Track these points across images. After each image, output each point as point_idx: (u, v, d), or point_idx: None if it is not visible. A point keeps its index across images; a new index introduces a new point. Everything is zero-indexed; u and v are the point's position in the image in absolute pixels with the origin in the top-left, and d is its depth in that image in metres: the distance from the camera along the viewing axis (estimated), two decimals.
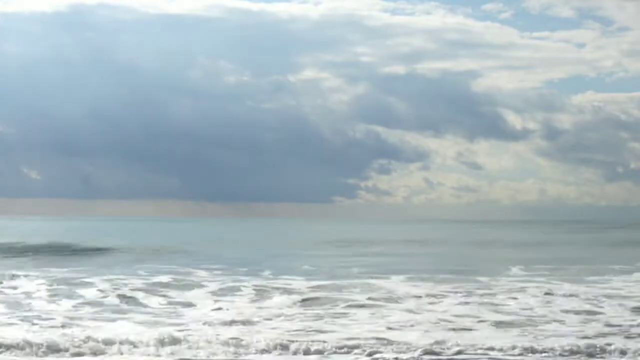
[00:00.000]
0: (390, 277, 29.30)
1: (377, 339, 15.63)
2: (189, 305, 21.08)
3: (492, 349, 14.69)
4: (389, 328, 17.14)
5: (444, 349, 14.62)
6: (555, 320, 18.37)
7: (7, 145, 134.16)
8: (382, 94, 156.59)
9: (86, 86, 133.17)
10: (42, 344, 14.43)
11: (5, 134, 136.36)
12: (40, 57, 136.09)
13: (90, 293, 23.19)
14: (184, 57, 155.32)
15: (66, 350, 14.27)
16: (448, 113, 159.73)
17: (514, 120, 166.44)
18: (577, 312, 19.89)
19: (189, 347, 14.49)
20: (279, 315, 18.86)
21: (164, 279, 27.69)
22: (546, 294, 23.67)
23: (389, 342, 15.22)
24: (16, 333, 15.51)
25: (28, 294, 22.89)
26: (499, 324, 17.95)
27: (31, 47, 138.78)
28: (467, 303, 21.43)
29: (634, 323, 17.85)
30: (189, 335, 15.45)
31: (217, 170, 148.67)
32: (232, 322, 17.57)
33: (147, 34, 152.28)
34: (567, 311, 19.88)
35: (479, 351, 14.55)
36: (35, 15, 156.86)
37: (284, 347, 14.65)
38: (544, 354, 14.38)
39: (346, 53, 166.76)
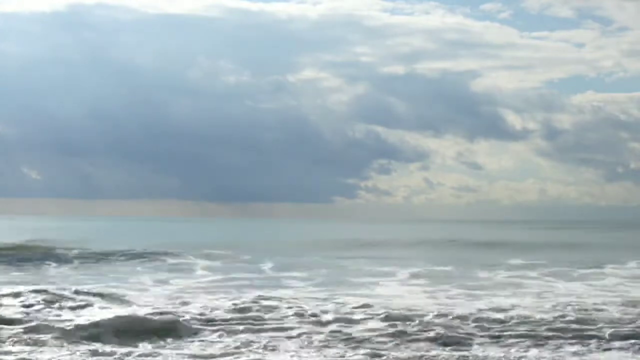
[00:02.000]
0: (387, 276, 29.52)
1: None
2: None
3: None
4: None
5: None
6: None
7: (7, 145, 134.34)
8: (381, 94, 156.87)
9: (86, 86, 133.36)
10: None
11: (5, 134, 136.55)
12: (40, 57, 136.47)
13: None
14: (184, 57, 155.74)
15: None
16: (448, 113, 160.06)
17: (514, 120, 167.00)
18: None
19: None
20: None
21: None
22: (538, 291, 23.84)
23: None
24: None
25: None
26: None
27: (31, 47, 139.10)
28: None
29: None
30: None
31: (217, 170, 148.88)
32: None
33: (147, 34, 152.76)
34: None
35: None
36: (34, 15, 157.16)
37: None
38: None
39: (346, 53, 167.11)
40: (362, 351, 14.44)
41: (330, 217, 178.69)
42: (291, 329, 16.18)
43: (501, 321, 17.16)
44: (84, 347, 14.34)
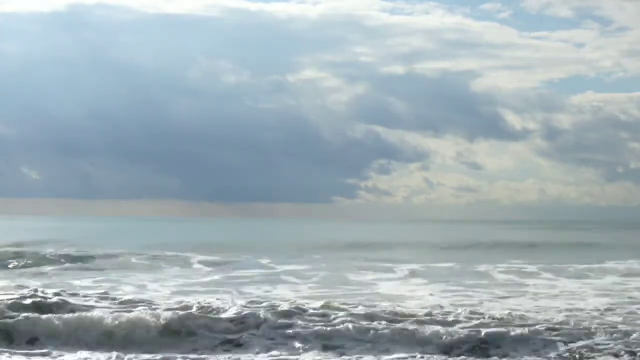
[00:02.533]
0: (387, 275, 29.54)
1: None
2: None
3: None
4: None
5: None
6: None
7: (7, 145, 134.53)
8: (381, 94, 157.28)
9: (86, 86, 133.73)
10: None
11: (5, 134, 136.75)
12: (40, 57, 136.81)
13: None
14: (183, 57, 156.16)
15: None
16: (448, 113, 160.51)
17: (514, 120, 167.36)
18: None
19: None
20: None
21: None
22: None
23: None
24: None
25: None
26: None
27: (31, 47, 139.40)
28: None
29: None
30: None
31: (217, 170, 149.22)
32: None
33: (147, 34, 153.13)
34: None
35: None
36: (34, 15, 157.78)
37: None
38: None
39: (345, 53, 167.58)
40: (362, 351, 14.48)
41: (330, 217, 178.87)
42: (291, 328, 16.19)
43: (499, 320, 17.18)
44: (81, 347, 14.36)
